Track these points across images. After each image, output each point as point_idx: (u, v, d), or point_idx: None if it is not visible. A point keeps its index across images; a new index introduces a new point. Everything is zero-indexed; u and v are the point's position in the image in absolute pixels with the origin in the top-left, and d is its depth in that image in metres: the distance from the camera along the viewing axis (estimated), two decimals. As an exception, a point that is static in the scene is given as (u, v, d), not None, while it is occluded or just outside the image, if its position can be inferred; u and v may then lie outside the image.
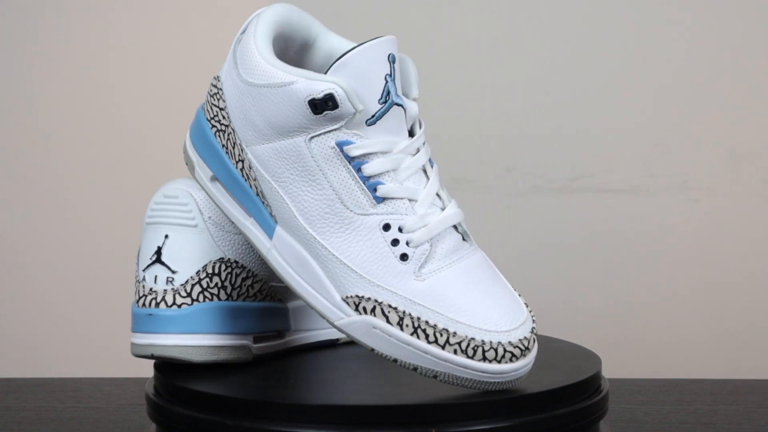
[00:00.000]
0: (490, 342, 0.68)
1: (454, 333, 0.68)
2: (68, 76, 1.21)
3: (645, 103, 1.18)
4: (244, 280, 0.79)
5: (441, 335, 0.68)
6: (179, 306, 0.76)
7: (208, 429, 0.69)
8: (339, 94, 0.69)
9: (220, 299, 0.77)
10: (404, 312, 0.69)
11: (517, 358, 0.69)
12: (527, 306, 0.72)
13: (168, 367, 0.78)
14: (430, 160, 0.74)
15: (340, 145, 0.70)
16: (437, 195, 0.72)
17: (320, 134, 0.70)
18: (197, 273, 0.77)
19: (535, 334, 0.70)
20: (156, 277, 0.77)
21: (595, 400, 0.73)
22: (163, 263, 0.78)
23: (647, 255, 1.19)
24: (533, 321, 0.71)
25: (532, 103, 1.18)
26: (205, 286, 0.77)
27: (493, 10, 1.18)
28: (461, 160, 1.19)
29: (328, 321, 0.71)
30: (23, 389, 1.04)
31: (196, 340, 0.76)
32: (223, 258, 0.78)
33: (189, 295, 0.77)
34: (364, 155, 0.70)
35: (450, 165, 1.19)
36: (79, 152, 1.21)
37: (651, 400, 0.99)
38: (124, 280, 1.22)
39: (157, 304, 0.77)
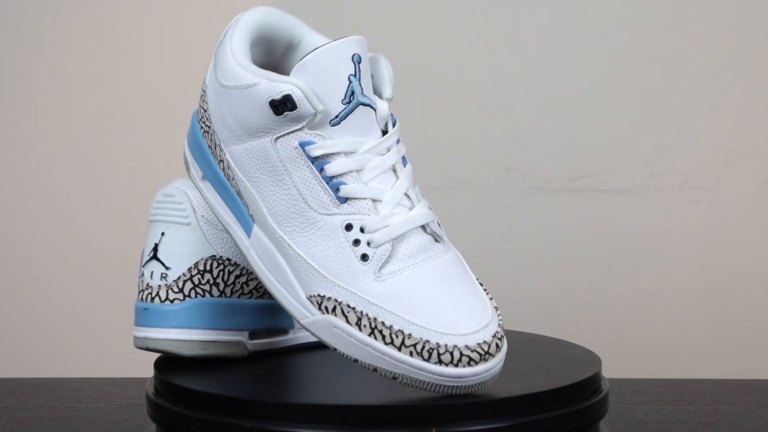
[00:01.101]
0: (446, 345, 0.67)
1: (410, 335, 0.68)
2: (69, 75, 1.21)
3: (645, 103, 1.18)
4: (237, 277, 0.80)
5: (397, 337, 0.68)
6: (172, 301, 0.79)
7: (208, 429, 0.69)
8: (297, 95, 0.70)
9: (212, 296, 0.79)
10: (362, 312, 0.69)
11: (477, 363, 0.67)
12: (497, 310, 0.70)
13: (168, 367, 0.78)
14: (404, 159, 0.74)
15: (303, 145, 0.71)
16: (406, 195, 0.72)
17: (284, 134, 0.71)
18: (189, 270, 0.79)
19: (499, 339, 0.68)
20: (152, 272, 0.80)
21: (595, 400, 0.73)
22: (158, 260, 0.80)
23: (647, 255, 1.19)
24: (499, 326, 0.69)
25: (532, 104, 1.18)
26: (196, 282, 0.79)
27: (494, 10, 1.18)
28: (461, 160, 1.19)
29: (294, 319, 0.72)
30: (23, 389, 1.04)
31: (187, 335, 0.78)
32: (215, 255, 0.80)
33: (181, 290, 0.79)
34: (327, 155, 0.71)
35: (450, 165, 1.19)
36: (78, 152, 1.21)
37: (651, 400, 0.99)
38: (124, 279, 1.22)
39: (152, 299, 0.79)
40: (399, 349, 0.68)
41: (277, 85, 0.70)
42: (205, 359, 0.79)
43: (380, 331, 0.68)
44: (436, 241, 0.72)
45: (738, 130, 1.18)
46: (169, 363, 0.79)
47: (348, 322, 0.69)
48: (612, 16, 1.18)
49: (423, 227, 0.71)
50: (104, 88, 1.21)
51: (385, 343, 0.68)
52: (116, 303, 1.22)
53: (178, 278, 0.79)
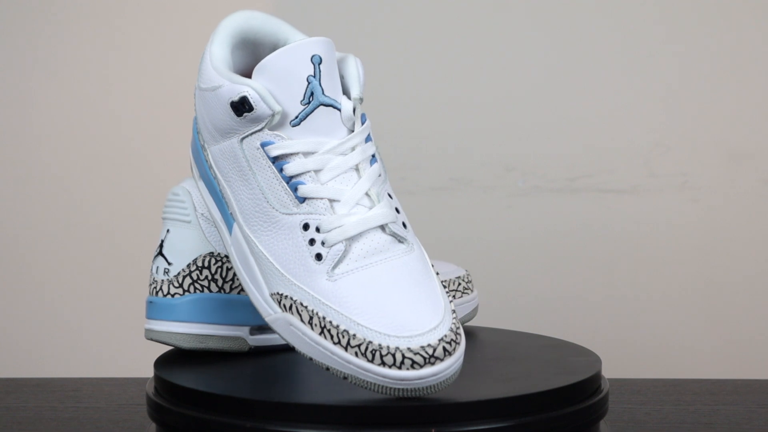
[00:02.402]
0: (387, 347, 0.67)
1: (354, 335, 0.68)
2: (71, 75, 1.21)
3: (645, 103, 1.18)
4: (235, 274, 0.81)
5: (343, 336, 0.68)
6: (173, 296, 0.81)
7: (208, 429, 0.69)
8: (253, 97, 0.71)
9: (210, 291, 0.81)
10: (313, 311, 0.69)
11: (421, 366, 0.66)
12: (454, 314, 0.69)
13: (168, 367, 0.78)
14: (373, 158, 0.74)
15: (263, 145, 0.72)
16: (366, 195, 0.72)
17: (248, 135, 0.73)
18: (188, 266, 0.81)
19: (447, 343, 0.67)
20: (158, 268, 0.83)
21: (595, 400, 0.73)
22: (163, 255, 0.83)
23: (647, 255, 1.19)
24: (452, 330, 0.68)
25: (532, 104, 1.18)
26: (195, 278, 0.81)
27: (494, 11, 1.18)
28: (461, 160, 1.19)
29: (262, 316, 0.73)
30: (23, 389, 1.04)
31: (185, 328, 0.81)
32: (212, 252, 0.82)
33: (181, 285, 0.81)
34: (285, 155, 0.72)
35: (450, 165, 1.19)
36: (78, 152, 1.21)
37: (651, 400, 0.99)
38: (125, 280, 1.22)
39: (157, 293, 0.82)
40: (345, 349, 0.68)
41: (236, 87, 0.72)
42: (207, 355, 0.80)
43: (329, 331, 0.69)
44: (400, 242, 0.72)
45: (738, 130, 1.18)
46: (169, 363, 0.79)
47: (302, 320, 0.70)
48: (612, 16, 1.18)
49: (382, 228, 0.71)
50: (106, 88, 1.21)
51: (333, 343, 0.68)
52: (116, 303, 1.22)
53: (178, 273, 0.81)
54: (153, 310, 0.82)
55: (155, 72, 1.20)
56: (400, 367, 0.66)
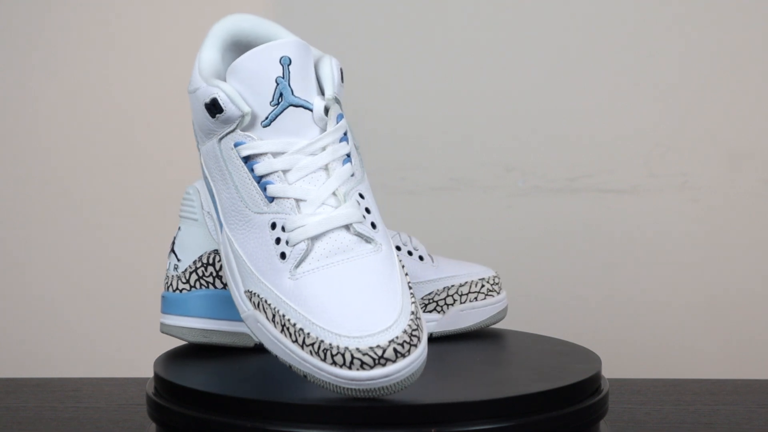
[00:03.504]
0: (338, 346, 0.67)
1: (308, 334, 0.68)
2: (72, 75, 1.21)
3: (645, 103, 1.18)
4: None
5: (299, 335, 0.68)
6: (180, 291, 0.84)
7: (208, 429, 0.69)
8: (222, 98, 0.73)
9: (215, 287, 0.83)
10: (276, 309, 0.70)
11: (371, 367, 0.66)
12: (412, 315, 0.68)
13: (168, 367, 0.78)
14: (347, 157, 0.74)
15: (236, 145, 0.74)
16: (333, 195, 0.72)
17: (224, 136, 0.74)
18: (194, 262, 0.84)
19: (399, 344, 0.66)
20: (170, 264, 0.85)
21: (595, 400, 0.73)
22: (174, 252, 0.85)
23: (647, 255, 1.19)
24: (406, 332, 0.67)
25: (532, 104, 1.18)
26: (201, 274, 0.83)
27: (495, 11, 1.18)
28: (461, 160, 1.19)
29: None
30: (23, 389, 1.04)
31: (190, 323, 0.83)
32: (217, 249, 0.83)
33: (188, 281, 0.84)
34: (255, 156, 0.73)
35: (450, 165, 1.19)
36: (79, 152, 1.21)
37: (651, 400, 0.99)
38: (125, 280, 1.22)
39: (167, 288, 0.85)
40: (302, 347, 0.68)
41: (209, 89, 0.74)
42: (207, 355, 0.81)
43: (288, 329, 0.69)
44: (367, 242, 0.72)
45: (738, 130, 1.18)
46: (169, 363, 0.79)
47: (267, 318, 0.71)
48: (612, 16, 1.18)
49: (347, 227, 0.72)
50: (107, 89, 1.21)
51: (292, 341, 0.69)
52: (117, 303, 1.22)
53: (186, 270, 0.84)
54: (165, 305, 0.84)
55: (156, 72, 1.20)
56: (350, 367, 0.66)
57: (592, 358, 0.79)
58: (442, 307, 0.88)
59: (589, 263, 1.19)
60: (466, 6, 1.18)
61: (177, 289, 0.84)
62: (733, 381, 1.07)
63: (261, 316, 0.71)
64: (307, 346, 0.68)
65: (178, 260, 0.84)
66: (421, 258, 0.89)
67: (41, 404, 0.98)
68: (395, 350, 0.66)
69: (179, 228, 0.85)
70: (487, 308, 0.90)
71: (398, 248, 0.89)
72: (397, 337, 0.66)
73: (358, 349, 0.66)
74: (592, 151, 1.18)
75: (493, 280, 0.90)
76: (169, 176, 1.20)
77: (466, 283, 0.89)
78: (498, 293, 0.90)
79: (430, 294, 0.88)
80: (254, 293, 0.72)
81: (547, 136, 1.18)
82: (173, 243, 0.85)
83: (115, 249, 1.21)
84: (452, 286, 0.88)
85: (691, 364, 1.18)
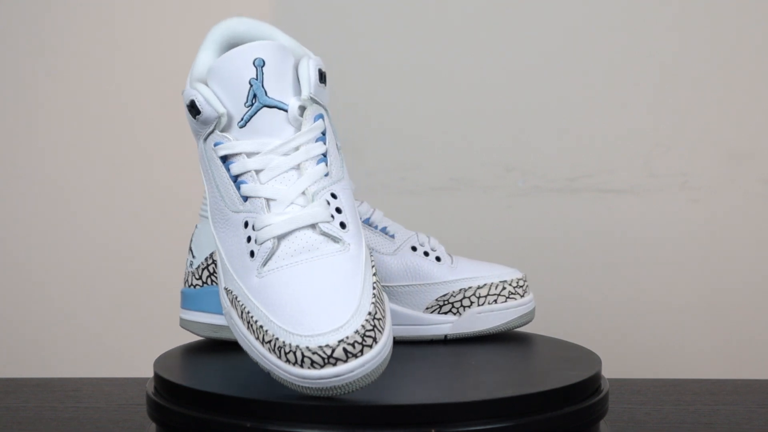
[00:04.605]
0: (290, 344, 0.67)
1: (266, 331, 0.69)
2: (74, 76, 1.21)
3: (645, 103, 1.18)
4: None
5: (260, 332, 0.69)
6: (194, 287, 0.86)
7: (208, 429, 0.69)
8: (199, 100, 0.75)
9: None
10: (243, 306, 0.71)
11: (321, 366, 0.66)
12: (369, 316, 0.68)
13: (168, 367, 0.78)
14: (324, 157, 0.75)
15: (215, 146, 0.75)
16: (303, 194, 0.73)
17: (207, 136, 0.76)
18: (206, 259, 0.85)
19: (350, 344, 0.66)
20: (187, 260, 0.88)
21: (595, 400, 0.73)
22: (191, 249, 0.87)
23: (647, 255, 1.19)
24: (358, 333, 0.66)
25: (532, 104, 1.18)
26: (211, 271, 0.85)
27: (495, 11, 1.18)
28: (461, 160, 1.19)
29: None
30: (23, 389, 1.04)
31: (202, 318, 0.85)
32: None
33: (200, 278, 0.86)
34: (231, 156, 0.75)
35: (450, 165, 1.19)
36: (79, 152, 1.21)
37: (651, 400, 0.99)
38: (125, 280, 1.22)
39: (185, 284, 0.87)
40: (263, 344, 0.69)
41: (189, 91, 0.76)
42: (207, 355, 0.82)
43: (251, 326, 0.70)
44: (334, 241, 0.72)
45: (738, 130, 1.18)
46: (169, 363, 0.79)
47: (237, 314, 0.72)
48: (613, 17, 1.18)
49: (312, 227, 0.72)
50: (109, 89, 1.21)
51: (255, 338, 0.70)
52: (117, 303, 1.22)
53: (198, 266, 0.86)
54: (182, 300, 0.87)
55: (156, 72, 1.20)
56: (302, 366, 0.66)
57: (592, 358, 0.79)
58: (458, 309, 0.87)
59: (589, 263, 1.19)
60: (466, 6, 1.18)
61: (192, 285, 0.86)
62: (733, 381, 1.07)
63: (234, 313, 0.72)
64: (267, 343, 0.68)
65: (193, 257, 0.86)
66: (438, 259, 0.88)
67: (41, 404, 0.98)
68: (345, 350, 0.66)
69: (196, 225, 0.87)
70: (509, 311, 0.88)
71: (414, 249, 0.88)
72: (347, 337, 0.66)
73: (308, 348, 0.66)
74: (592, 151, 1.18)
75: (517, 282, 0.89)
76: (169, 177, 1.20)
77: (485, 285, 0.87)
78: (522, 296, 0.88)
79: (445, 295, 0.87)
80: (229, 290, 0.73)
81: (547, 136, 1.18)
82: (191, 240, 0.87)
83: (115, 249, 1.21)
84: (469, 288, 0.87)
85: (691, 364, 1.18)
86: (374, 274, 0.72)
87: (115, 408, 0.97)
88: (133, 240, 1.21)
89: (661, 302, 1.19)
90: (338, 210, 0.73)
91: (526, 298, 0.89)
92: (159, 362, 0.80)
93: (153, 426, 0.75)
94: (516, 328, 0.88)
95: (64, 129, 1.21)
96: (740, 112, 1.18)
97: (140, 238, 1.21)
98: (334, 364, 0.66)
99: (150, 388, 0.76)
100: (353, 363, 0.66)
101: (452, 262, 0.89)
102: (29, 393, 1.02)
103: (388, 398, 0.70)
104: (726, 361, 1.19)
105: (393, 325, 0.84)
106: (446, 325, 0.87)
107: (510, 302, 0.88)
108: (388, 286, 0.87)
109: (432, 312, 0.87)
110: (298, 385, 0.67)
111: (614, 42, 1.18)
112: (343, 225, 0.73)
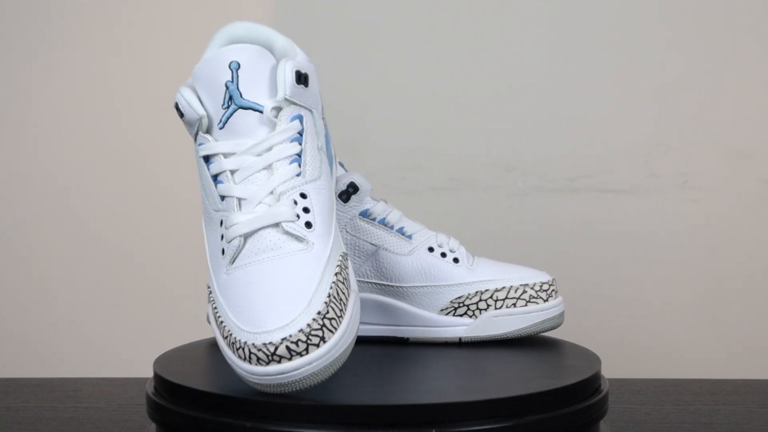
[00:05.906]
0: (240, 341, 0.68)
1: (224, 327, 0.70)
2: (76, 76, 1.21)
3: (645, 103, 1.18)
4: None
5: (221, 328, 0.71)
6: None
7: (208, 429, 0.69)
8: (181, 103, 0.77)
9: None
10: (213, 302, 0.73)
11: (266, 363, 0.67)
12: (318, 315, 0.68)
13: (168, 367, 0.78)
14: (298, 157, 0.76)
15: (199, 146, 0.77)
16: (272, 194, 0.74)
17: (195, 137, 0.78)
18: None
19: (293, 343, 0.66)
20: None
21: (595, 400, 0.73)
22: None
23: (647, 255, 1.19)
24: (302, 332, 0.67)
25: (532, 104, 1.19)
26: None
27: (494, 10, 1.18)
28: (461, 160, 1.19)
29: None
30: (23, 389, 1.04)
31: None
32: None
33: None
34: (210, 156, 0.77)
35: (450, 165, 1.19)
36: (80, 152, 1.21)
37: (651, 400, 0.99)
38: (125, 280, 1.22)
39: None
40: (224, 339, 0.70)
41: (176, 94, 0.78)
42: (206, 355, 0.81)
43: (218, 322, 0.72)
44: (298, 240, 0.73)
45: (738, 130, 1.18)
46: (169, 363, 0.79)
47: (212, 311, 0.73)
48: (613, 16, 1.18)
49: (276, 226, 0.73)
50: (111, 90, 1.21)
51: (220, 334, 0.71)
52: (117, 303, 1.22)
53: None
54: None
55: (157, 73, 1.20)
56: (249, 362, 0.68)
57: (592, 358, 0.79)
58: (473, 311, 0.85)
59: (589, 263, 1.19)
60: (466, 6, 1.18)
61: None
62: (733, 381, 1.07)
63: (210, 309, 0.74)
64: (225, 338, 0.70)
65: None
66: (456, 260, 0.87)
67: (41, 404, 0.98)
68: (288, 348, 0.67)
69: None
70: (529, 315, 0.86)
71: (431, 249, 0.87)
72: (290, 336, 0.67)
73: (254, 345, 0.67)
74: (592, 151, 1.18)
75: (540, 285, 0.86)
76: (169, 177, 1.20)
77: (504, 288, 0.86)
78: (545, 300, 0.86)
79: (460, 297, 0.85)
80: (209, 287, 0.75)
81: (547, 136, 1.18)
82: None
83: (115, 249, 1.22)
84: (486, 290, 0.85)
85: (691, 364, 1.18)
86: (337, 274, 0.71)
87: (115, 408, 0.97)
88: (133, 240, 1.21)
89: (661, 302, 1.19)
90: (306, 210, 0.74)
91: (551, 302, 0.87)
92: (159, 362, 0.80)
93: (153, 426, 0.75)
94: (540, 332, 0.87)
95: (65, 129, 1.21)
96: (740, 113, 1.18)
97: (140, 238, 1.21)
98: (279, 362, 0.67)
99: (150, 388, 0.76)
100: (298, 361, 0.67)
101: (472, 264, 0.87)
102: (29, 393, 1.02)
103: (388, 398, 0.70)
104: (726, 361, 1.19)
105: (406, 326, 0.85)
106: (461, 328, 0.85)
107: (531, 306, 0.86)
108: (402, 287, 0.86)
109: (447, 314, 0.86)
110: (251, 381, 0.68)
111: (615, 42, 1.18)
112: (308, 224, 0.74)
